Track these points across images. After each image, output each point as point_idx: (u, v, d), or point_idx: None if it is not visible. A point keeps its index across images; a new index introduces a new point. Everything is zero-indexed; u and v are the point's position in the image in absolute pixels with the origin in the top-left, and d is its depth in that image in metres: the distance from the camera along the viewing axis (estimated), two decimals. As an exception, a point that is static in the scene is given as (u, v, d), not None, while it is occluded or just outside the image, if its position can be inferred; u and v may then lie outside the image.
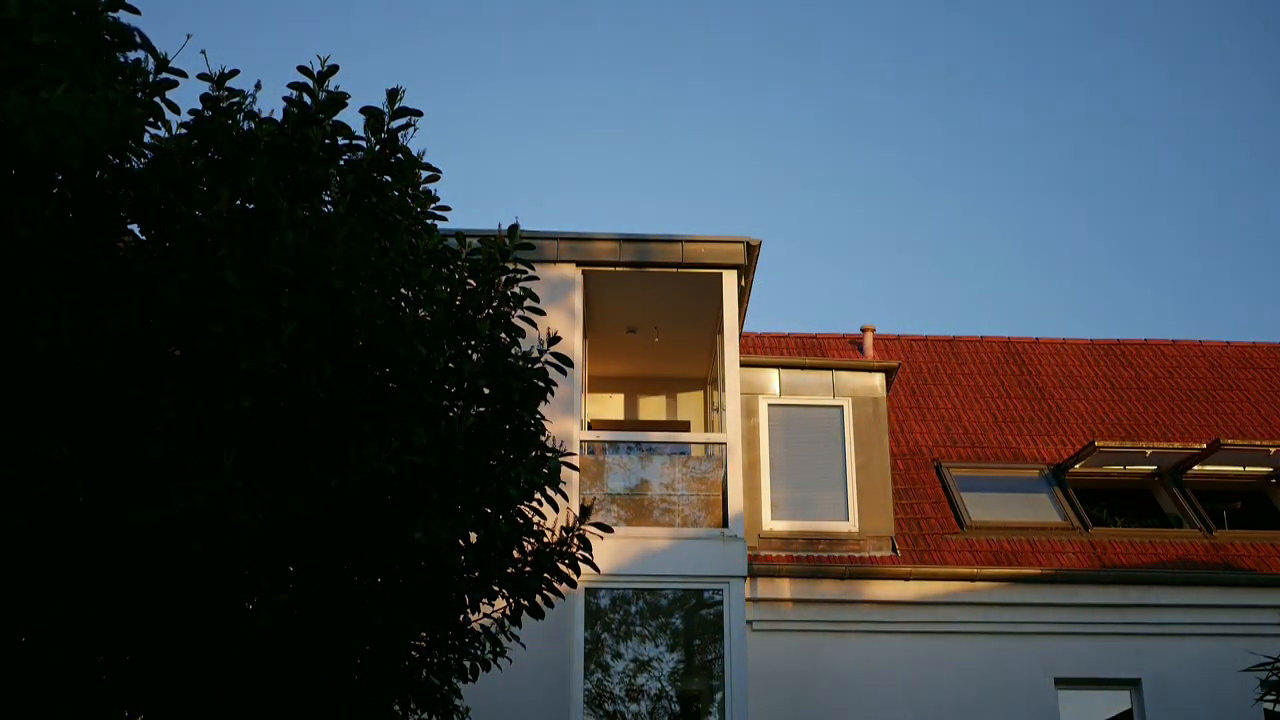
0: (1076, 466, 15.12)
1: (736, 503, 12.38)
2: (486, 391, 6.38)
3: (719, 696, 12.06)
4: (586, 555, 6.87)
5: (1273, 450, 14.91)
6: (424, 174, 6.24)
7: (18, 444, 5.06)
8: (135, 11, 5.54)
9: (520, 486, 6.41)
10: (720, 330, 13.25)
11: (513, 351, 6.51)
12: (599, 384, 14.94)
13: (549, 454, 6.62)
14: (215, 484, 5.28)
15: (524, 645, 7.57)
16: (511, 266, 6.56)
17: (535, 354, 6.55)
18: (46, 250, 5.07)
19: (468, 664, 7.05)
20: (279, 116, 5.87)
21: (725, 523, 12.33)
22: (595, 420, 14.88)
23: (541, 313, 6.75)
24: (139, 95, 5.43)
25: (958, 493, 14.78)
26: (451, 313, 6.31)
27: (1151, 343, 18.74)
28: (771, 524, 13.75)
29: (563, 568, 6.80)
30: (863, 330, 17.65)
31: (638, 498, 12.75)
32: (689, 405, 15.82)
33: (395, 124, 5.98)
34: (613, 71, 44.07)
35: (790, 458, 14.13)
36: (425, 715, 6.98)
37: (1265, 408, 17.16)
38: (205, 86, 5.83)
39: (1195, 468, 15.08)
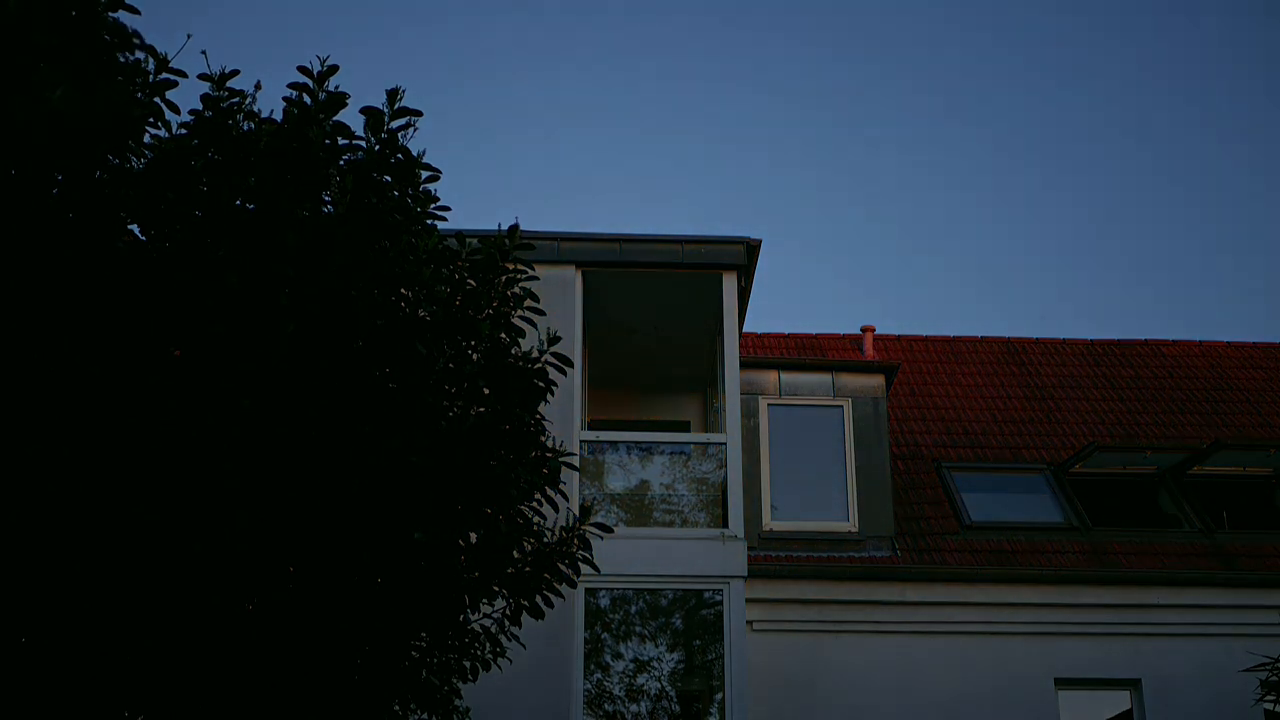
0: (1076, 466, 15.10)
1: (736, 503, 12.37)
2: (486, 391, 6.38)
3: (719, 696, 12.06)
4: (586, 555, 6.86)
5: (1273, 450, 14.91)
6: (424, 174, 6.24)
7: (18, 445, 5.06)
8: (135, 11, 5.55)
9: (520, 486, 6.41)
10: (720, 330, 13.25)
11: (513, 351, 6.51)
12: (599, 384, 14.94)
13: (549, 454, 6.62)
14: (215, 484, 5.28)
15: (524, 645, 7.57)
16: (511, 267, 6.56)
17: (535, 354, 6.55)
18: (46, 251, 5.07)
19: (468, 664, 7.05)
20: (279, 116, 5.87)
21: (725, 523, 12.33)
22: (595, 420, 14.88)
23: (541, 313, 6.75)
24: (139, 95, 5.44)
25: (958, 493, 14.77)
26: (451, 313, 6.31)
27: (1151, 343, 18.73)
28: (772, 524, 13.75)
29: (563, 568, 6.79)
30: (863, 330, 17.65)
31: (638, 498, 12.75)
32: (689, 405, 15.81)
33: (395, 124, 5.98)
34: (613, 72, 44.08)
35: (790, 458, 14.12)
36: (425, 715, 6.98)
37: (1265, 408, 17.14)
38: (205, 86, 5.84)
39: (1195, 468, 15.08)
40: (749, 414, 13.96)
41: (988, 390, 17.21)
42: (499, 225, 6.76)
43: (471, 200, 43.71)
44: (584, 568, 6.95)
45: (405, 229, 6.14)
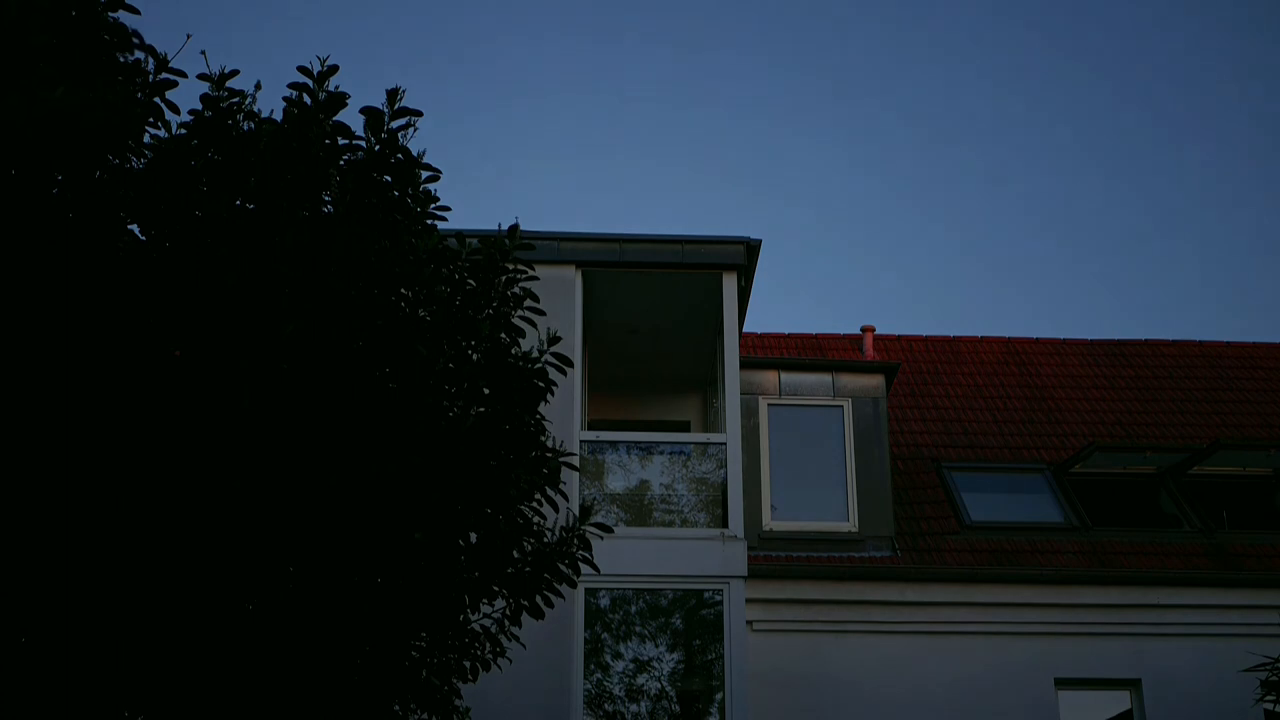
0: (1076, 466, 15.10)
1: (736, 503, 12.37)
2: (486, 391, 6.38)
3: (719, 696, 12.06)
4: (586, 555, 6.86)
5: (1273, 450, 14.90)
6: (424, 174, 6.23)
7: (18, 445, 5.06)
8: (135, 11, 5.55)
9: (520, 486, 6.41)
10: (720, 330, 13.25)
11: (513, 351, 6.51)
12: (599, 384, 14.95)
13: (549, 454, 6.62)
14: (215, 484, 5.28)
15: (524, 645, 7.57)
16: (511, 266, 6.56)
17: (535, 354, 6.55)
18: (45, 251, 5.07)
19: (468, 664, 7.05)
20: (279, 116, 5.87)
21: (725, 523, 12.33)
22: (595, 420, 14.89)
23: (541, 313, 6.74)
24: (139, 95, 5.44)
25: (958, 493, 14.77)
26: (451, 313, 6.31)
27: (1151, 343, 18.72)
28: (771, 524, 13.74)
29: (562, 568, 6.79)
30: (863, 330, 17.64)
31: (638, 498, 12.74)
32: (689, 405, 15.81)
33: (395, 124, 5.98)
34: (613, 72, 44.09)
35: (790, 458, 14.12)
36: (425, 715, 6.98)
37: (1265, 408, 17.14)
38: (205, 86, 5.84)
39: (1195, 468, 15.07)
40: (749, 414, 13.96)
41: (988, 390, 17.20)
42: (499, 225, 6.76)
43: (471, 200, 43.72)
44: (584, 568, 6.95)
45: (405, 229, 6.13)
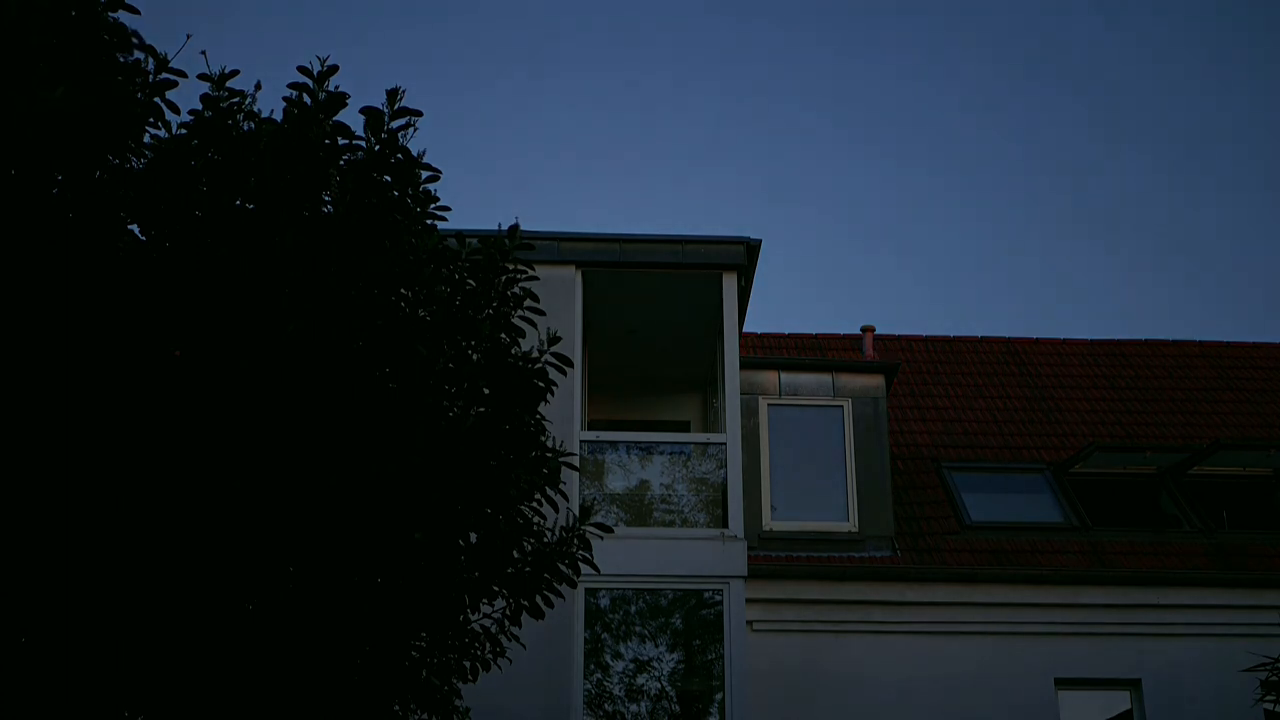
0: (1076, 466, 15.10)
1: (736, 503, 12.37)
2: (486, 391, 6.38)
3: (719, 696, 12.06)
4: (586, 555, 6.87)
5: (1273, 450, 14.90)
6: (424, 174, 6.23)
7: (19, 445, 5.06)
8: (135, 11, 5.55)
9: (520, 487, 6.41)
10: (720, 330, 13.26)
11: (513, 351, 6.51)
12: (599, 384, 14.94)
13: (549, 454, 6.62)
14: (215, 484, 5.28)
15: (524, 645, 7.57)
16: (511, 266, 6.56)
17: (535, 354, 6.55)
18: (46, 251, 5.07)
19: (468, 664, 7.05)
20: (279, 116, 5.87)
21: (725, 523, 12.33)
22: (595, 420, 14.88)
23: (541, 313, 6.74)
24: (139, 95, 5.44)
25: (958, 493, 14.77)
26: (451, 313, 6.31)
27: (1151, 343, 18.72)
28: (771, 524, 13.74)
29: (562, 568, 6.80)
30: (863, 330, 17.63)
31: (638, 498, 12.75)
32: (689, 405, 15.82)
33: (395, 124, 5.98)
34: (613, 71, 44.10)
35: (790, 458, 14.12)
36: (425, 715, 6.99)
37: (1265, 408, 17.13)
38: (205, 86, 5.84)
39: (1195, 468, 15.07)
40: (749, 414, 13.96)
41: (988, 390, 17.20)
42: (499, 225, 6.77)
43: (472, 200, 43.74)
44: (584, 568, 6.95)
45: (405, 229, 6.13)
